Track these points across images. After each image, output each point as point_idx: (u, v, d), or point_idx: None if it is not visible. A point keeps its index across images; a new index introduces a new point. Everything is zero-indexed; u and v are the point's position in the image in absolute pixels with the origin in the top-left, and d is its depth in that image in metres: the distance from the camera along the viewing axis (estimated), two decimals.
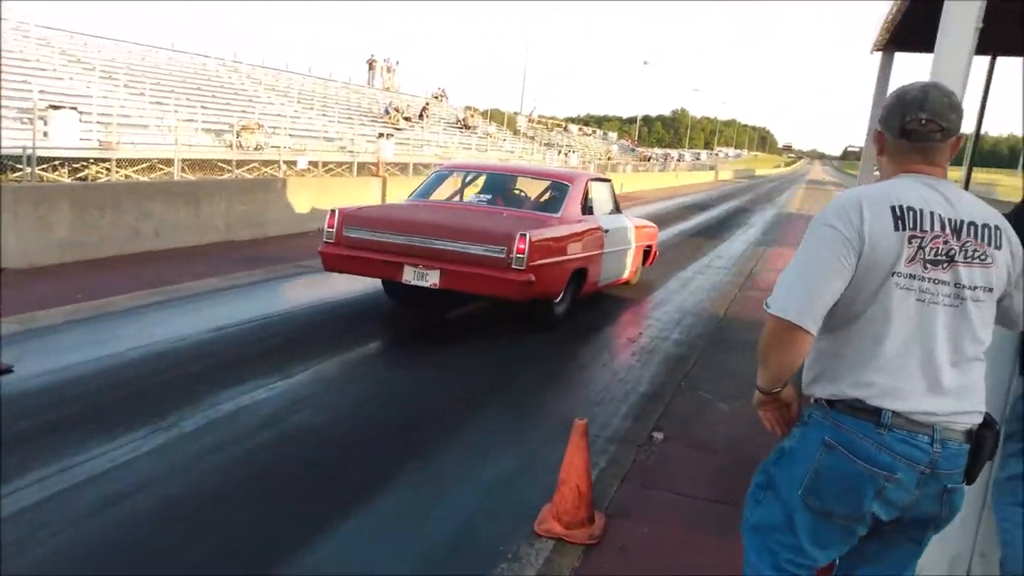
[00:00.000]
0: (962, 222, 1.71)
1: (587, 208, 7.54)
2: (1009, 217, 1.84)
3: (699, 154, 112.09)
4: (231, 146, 21.26)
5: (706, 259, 12.66)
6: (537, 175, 8.80)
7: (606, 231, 7.66)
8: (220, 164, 20.00)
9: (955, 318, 1.70)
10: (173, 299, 6.82)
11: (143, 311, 6.33)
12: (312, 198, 12.26)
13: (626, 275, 8.82)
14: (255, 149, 22.33)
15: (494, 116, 47.21)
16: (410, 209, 7.40)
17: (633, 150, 73.59)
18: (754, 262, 12.73)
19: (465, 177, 8.46)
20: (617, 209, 8.48)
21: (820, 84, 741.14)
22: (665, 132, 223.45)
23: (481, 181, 8.39)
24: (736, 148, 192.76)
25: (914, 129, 1.74)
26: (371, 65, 37.42)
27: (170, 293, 7.00)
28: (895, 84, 6.17)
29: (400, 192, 14.66)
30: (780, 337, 1.73)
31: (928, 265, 1.68)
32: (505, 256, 6.10)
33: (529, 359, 5.96)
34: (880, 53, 6.12)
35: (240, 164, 20.68)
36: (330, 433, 4.16)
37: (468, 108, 43.59)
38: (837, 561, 1.93)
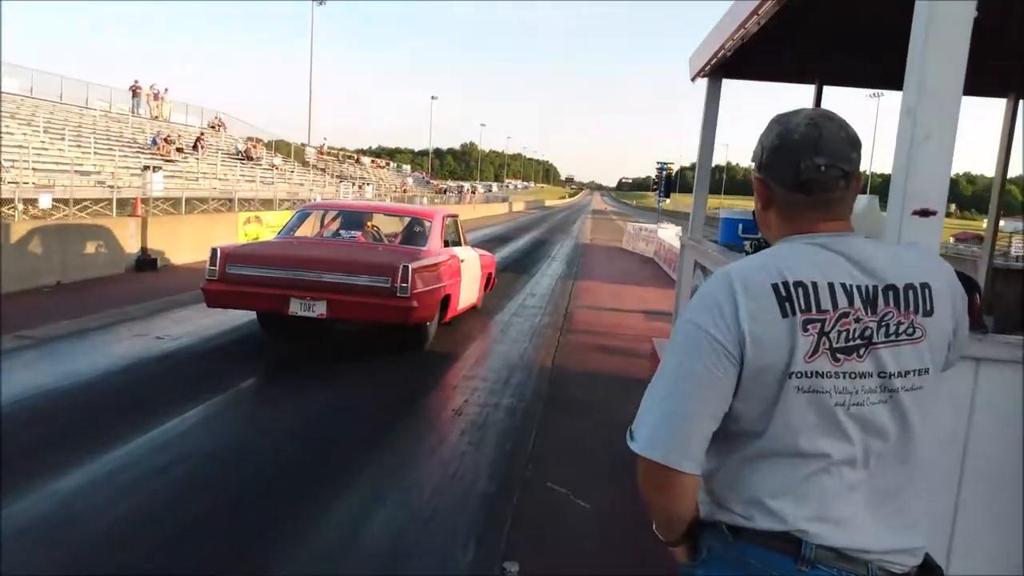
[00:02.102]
0: (875, 289, 1.28)
1: (445, 241, 8.36)
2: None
3: (491, 186, 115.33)
4: None
5: (520, 298, 11.95)
6: (398, 212, 10.01)
7: (462, 261, 8.41)
8: None
9: (886, 419, 1.28)
10: None
11: None
12: (47, 244, 9.99)
13: (475, 300, 9.46)
14: None
15: (280, 147, 44.60)
16: (288, 245, 7.81)
17: (428, 183, 73.55)
18: (566, 299, 12.20)
19: (326, 215, 9.20)
20: (465, 241, 9.31)
21: (594, 120, 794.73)
22: (457, 165, 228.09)
23: (343, 218, 8.99)
24: (524, 180, 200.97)
25: (812, 179, 1.32)
26: (135, 92, 33.61)
27: None
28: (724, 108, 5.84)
29: (165, 236, 12.64)
30: (654, 482, 1.31)
31: (838, 355, 1.25)
32: (390, 285, 6.72)
33: (346, 450, 4.65)
34: (705, 80, 5.73)
35: None
36: None
37: (250, 139, 40.69)
38: None
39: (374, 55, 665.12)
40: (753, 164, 1.42)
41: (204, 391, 5.62)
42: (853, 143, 1.34)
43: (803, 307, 1.25)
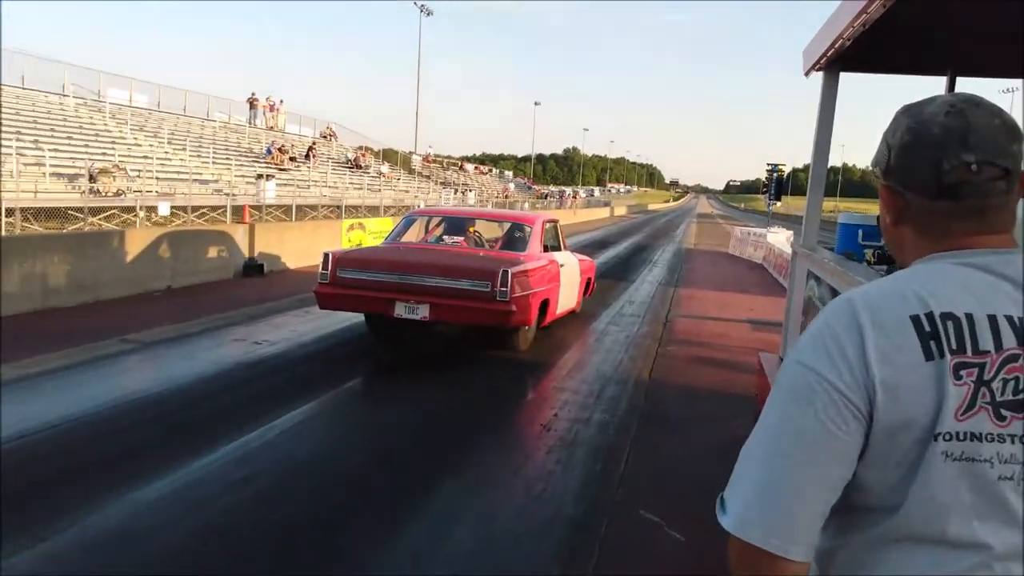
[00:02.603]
0: None
1: (545, 246, 8.46)
2: None
3: (593, 191, 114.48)
4: (84, 192, 18.89)
5: (617, 305, 11.58)
6: (499, 218, 10.13)
7: (561, 265, 8.52)
8: (71, 212, 17.68)
9: None
10: None
11: None
12: (159, 250, 10.42)
13: (574, 304, 9.46)
14: (115, 194, 20.05)
15: (388, 156, 45.80)
16: (394, 250, 8.03)
17: (530, 188, 73.79)
18: (667, 307, 11.73)
19: (430, 221, 9.38)
20: (564, 246, 9.40)
21: (701, 121, 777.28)
22: (559, 170, 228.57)
23: (446, 224, 9.19)
24: (627, 184, 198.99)
25: (962, 181, 1.00)
26: (252, 104, 35.24)
27: None
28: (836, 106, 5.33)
29: (273, 242, 13.01)
30: (750, 570, 0.97)
31: (1003, 413, 0.93)
32: (490, 290, 6.88)
33: (429, 463, 4.49)
34: (821, 74, 5.28)
35: (96, 211, 18.45)
36: None
37: (360, 148, 41.92)
38: None
39: (481, 64, 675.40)
40: (877, 169, 1.12)
41: (294, 399, 5.59)
42: (1013, 132, 1.01)
43: (955, 347, 0.94)
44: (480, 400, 6.05)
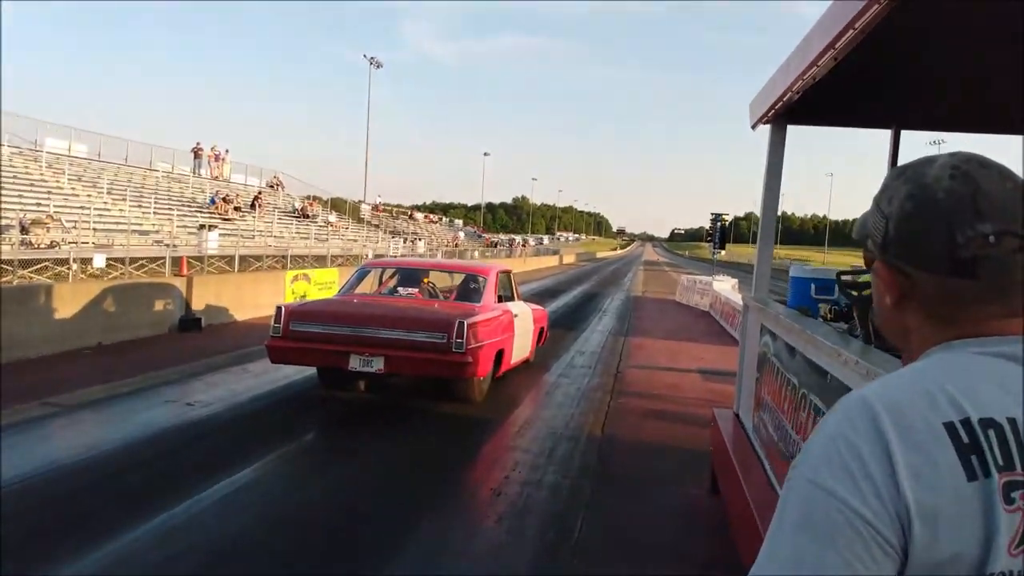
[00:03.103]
0: None
1: (499, 296, 8.51)
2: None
3: (542, 239, 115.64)
4: (14, 244, 18.12)
5: (568, 356, 11.42)
6: (454, 269, 10.33)
7: (515, 315, 8.52)
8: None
9: None
10: None
11: None
12: (91, 305, 9.91)
13: (527, 354, 9.48)
14: (48, 246, 19.29)
15: (337, 205, 45.49)
16: (348, 303, 7.92)
17: (479, 236, 74.08)
18: (617, 357, 11.62)
19: (384, 272, 9.32)
20: (518, 296, 9.44)
21: (645, 172, 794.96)
22: (508, 218, 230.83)
23: (400, 276, 9.10)
24: (575, 232, 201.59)
25: (979, 255, 0.84)
26: (197, 154, 34.65)
27: None
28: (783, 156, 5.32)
29: (212, 295, 12.57)
30: None
31: None
32: (446, 341, 6.82)
33: (368, 540, 4.18)
34: (768, 127, 5.27)
35: (27, 264, 17.69)
36: None
37: (308, 197, 41.53)
38: None
39: (431, 114, 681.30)
40: (871, 242, 0.94)
41: (223, 467, 5.22)
42: None
43: (1001, 463, 0.76)
44: (427, 464, 5.75)
